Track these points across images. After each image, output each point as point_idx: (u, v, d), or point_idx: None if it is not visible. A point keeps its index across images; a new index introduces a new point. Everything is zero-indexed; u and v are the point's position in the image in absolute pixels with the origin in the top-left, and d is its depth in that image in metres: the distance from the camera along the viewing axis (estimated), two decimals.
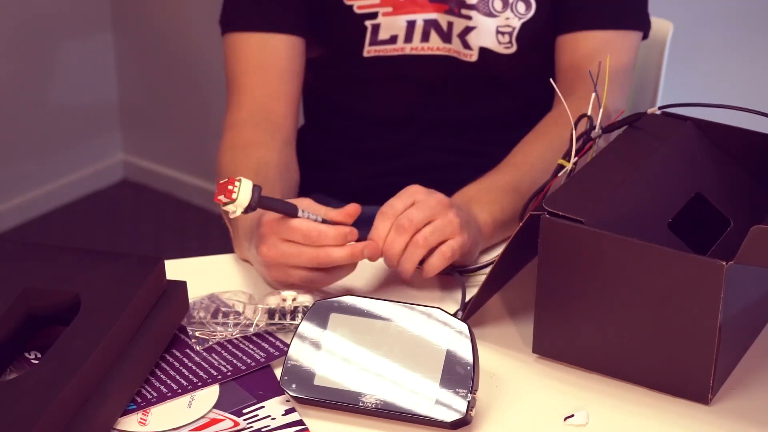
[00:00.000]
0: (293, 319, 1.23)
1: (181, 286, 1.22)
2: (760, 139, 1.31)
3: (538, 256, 1.17)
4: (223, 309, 1.25)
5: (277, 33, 1.56)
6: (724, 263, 1.08)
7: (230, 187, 1.19)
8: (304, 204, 1.27)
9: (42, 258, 1.22)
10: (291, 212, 1.25)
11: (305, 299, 1.25)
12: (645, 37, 1.62)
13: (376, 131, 1.67)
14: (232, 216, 1.22)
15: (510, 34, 1.57)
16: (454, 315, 1.15)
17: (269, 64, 1.57)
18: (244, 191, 1.20)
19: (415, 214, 1.25)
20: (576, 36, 1.56)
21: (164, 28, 3.21)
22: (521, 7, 1.57)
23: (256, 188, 1.21)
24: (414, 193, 1.28)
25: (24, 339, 1.18)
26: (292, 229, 1.24)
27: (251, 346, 1.22)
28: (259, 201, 1.21)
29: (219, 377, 1.17)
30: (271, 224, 1.26)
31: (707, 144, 1.33)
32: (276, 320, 1.24)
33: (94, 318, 1.12)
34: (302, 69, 1.60)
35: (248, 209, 1.21)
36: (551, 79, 1.40)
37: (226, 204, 1.20)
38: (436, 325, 1.14)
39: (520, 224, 1.17)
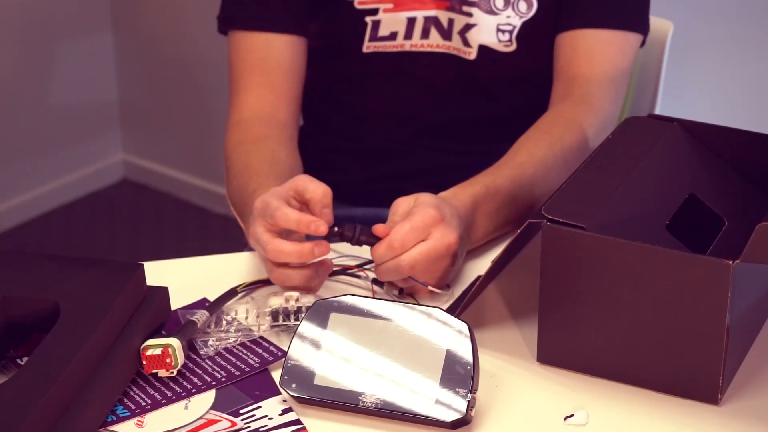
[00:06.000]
0: (297, 319, 1.22)
1: (163, 291, 1.21)
2: (746, 137, 1.31)
3: (540, 265, 1.16)
4: (226, 316, 1.24)
5: (279, 33, 1.57)
6: (731, 262, 1.07)
7: (168, 360, 1.15)
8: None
9: (21, 266, 1.21)
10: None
11: (308, 299, 1.25)
12: (643, 43, 1.60)
13: (376, 129, 1.66)
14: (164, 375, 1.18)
15: (510, 32, 1.57)
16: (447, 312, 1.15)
17: (273, 64, 1.57)
18: (179, 354, 1.16)
19: (417, 259, 1.25)
20: (575, 34, 1.55)
21: (164, 28, 3.21)
22: (523, 6, 1.56)
23: (183, 342, 1.17)
24: (427, 225, 1.25)
25: (4, 347, 1.17)
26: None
27: (246, 351, 1.21)
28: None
29: (213, 383, 1.17)
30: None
31: (695, 144, 1.33)
32: (280, 321, 1.23)
33: (74, 326, 1.11)
34: (304, 68, 1.61)
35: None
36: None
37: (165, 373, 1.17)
38: (436, 325, 1.13)
39: (518, 232, 1.17)
